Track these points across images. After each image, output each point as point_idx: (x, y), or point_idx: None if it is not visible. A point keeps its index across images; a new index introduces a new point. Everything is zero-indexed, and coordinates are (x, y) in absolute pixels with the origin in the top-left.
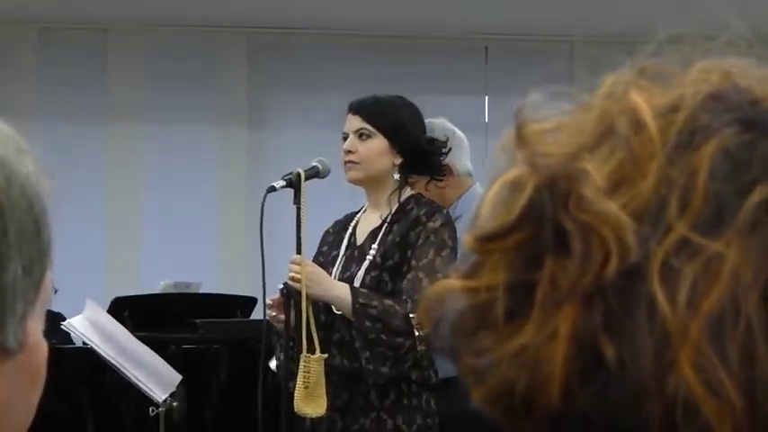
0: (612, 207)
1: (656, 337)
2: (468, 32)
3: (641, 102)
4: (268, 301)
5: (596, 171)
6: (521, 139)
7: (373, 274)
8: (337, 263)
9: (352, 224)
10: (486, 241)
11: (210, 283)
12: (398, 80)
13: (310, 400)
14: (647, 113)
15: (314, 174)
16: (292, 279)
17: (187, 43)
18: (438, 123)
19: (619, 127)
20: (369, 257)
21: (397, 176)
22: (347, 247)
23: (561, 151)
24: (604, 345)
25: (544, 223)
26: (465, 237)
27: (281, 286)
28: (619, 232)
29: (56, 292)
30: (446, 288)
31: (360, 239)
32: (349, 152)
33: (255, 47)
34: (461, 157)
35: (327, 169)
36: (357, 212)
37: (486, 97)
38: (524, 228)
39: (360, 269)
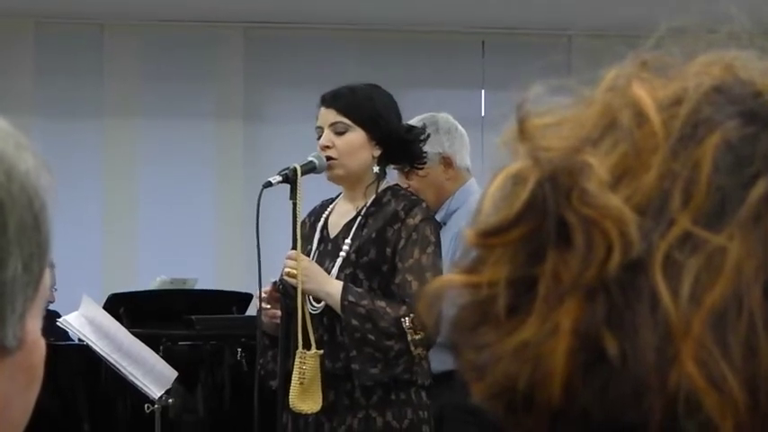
0: (615, 200)
1: (658, 331)
2: (465, 27)
3: (644, 94)
4: (263, 294)
5: (599, 164)
6: (523, 132)
7: (347, 271)
8: (311, 257)
9: (324, 215)
10: (488, 235)
11: (206, 280)
12: (395, 74)
13: (306, 397)
14: (650, 106)
15: (310, 169)
16: (288, 274)
17: (184, 38)
18: (442, 116)
19: (622, 120)
20: (342, 254)
21: (376, 169)
22: (320, 241)
23: (563, 145)
24: (606, 339)
25: (546, 217)
26: (467, 231)
27: (274, 279)
28: (621, 226)
29: (56, 289)
30: (447, 283)
31: (333, 232)
32: (326, 147)
33: (252, 41)
34: (462, 152)
35: (324, 164)
36: (333, 200)
37: (483, 91)
38: (526, 222)
39: (334, 266)
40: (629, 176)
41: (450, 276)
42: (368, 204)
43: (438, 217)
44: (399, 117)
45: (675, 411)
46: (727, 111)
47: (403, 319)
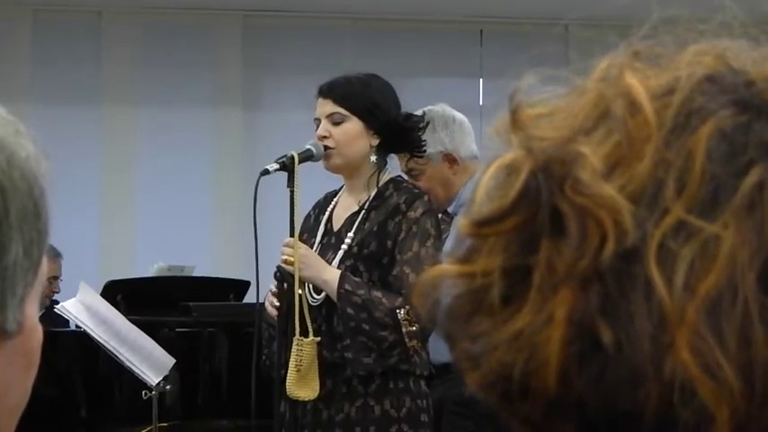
0: (609, 190)
1: (653, 319)
2: (463, 15)
3: (637, 84)
4: (272, 288)
5: (592, 154)
6: (516, 122)
7: (348, 263)
8: (314, 249)
9: (329, 208)
10: (482, 225)
11: (204, 267)
12: (393, 63)
13: (303, 384)
14: (643, 95)
15: (308, 157)
16: (285, 262)
17: (182, 25)
18: (438, 110)
19: (614, 109)
20: (344, 246)
21: (374, 159)
22: (324, 234)
23: (557, 135)
24: (601, 328)
25: (540, 207)
26: (461, 221)
27: (277, 271)
28: (615, 215)
29: (61, 280)
30: (441, 273)
31: (336, 225)
32: (323, 137)
33: (251, 29)
34: (465, 141)
35: (321, 152)
36: (337, 193)
37: (481, 80)
38: (520, 211)
39: (335, 257)
40: (623, 166)
41: (445, 266)
42: (370, 198)
43: (450, 209)
44: (398, 105)
45: (671, 399)
46: (720, 100)
47: (398, 311)
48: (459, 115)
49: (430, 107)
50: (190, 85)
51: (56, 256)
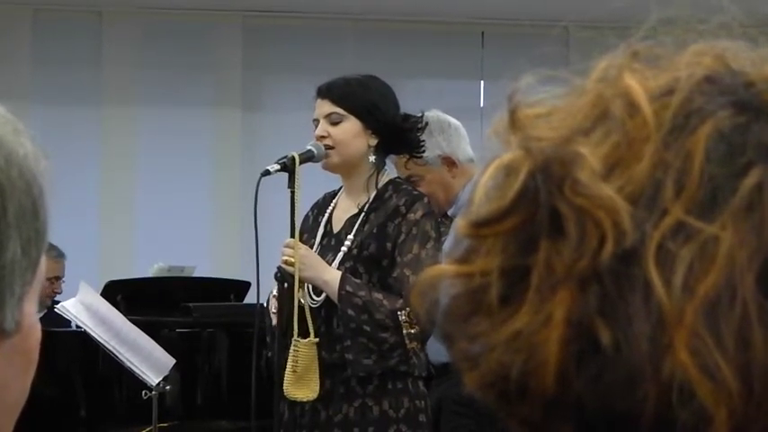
0: (608, 190)
1: (651, 320)
2: (464, 17)
3: (635, 85)
4: (274, 292)
5: (591, 154)
6: (514, 123)
7: (348, 265)
8: (314, 250)
9: (329, 210)
10: (481, 226)
11: (204, 267)
12: (395, 65)
13: (301, 384)
14: (642, 96)
15: (308, 157)
16: (285, 262)
17: (182, 26)
18: (432, 116)
19: (613, 110)
20: (344, 248)
21: (372, 159)
22: (323, 235)
23: (555, 135)
24: (600, 329)
25: (539, 207)
26: (459, 221)
27: (278, 272)
28: (614, 216)
29: (64, 281)
30: (440, 273)
31: (336, 227)
32: (322, 137)
33: (251, 30)
34: (461, 145)
35: (322, 153)
36: (335, 194)
37: (482, 82)
38: (519, 212)
39: (335, 259)
40: (622, 167)
41: (443, 266)
42: (370, 200)
43: (450, 212)
44: (397, 106)
45: (669, 400)
46: (719, 101)
47: (399, 313)
48: (453, 120)
49: (425, 113)
50: (190, 85)
51: (59, 256)
